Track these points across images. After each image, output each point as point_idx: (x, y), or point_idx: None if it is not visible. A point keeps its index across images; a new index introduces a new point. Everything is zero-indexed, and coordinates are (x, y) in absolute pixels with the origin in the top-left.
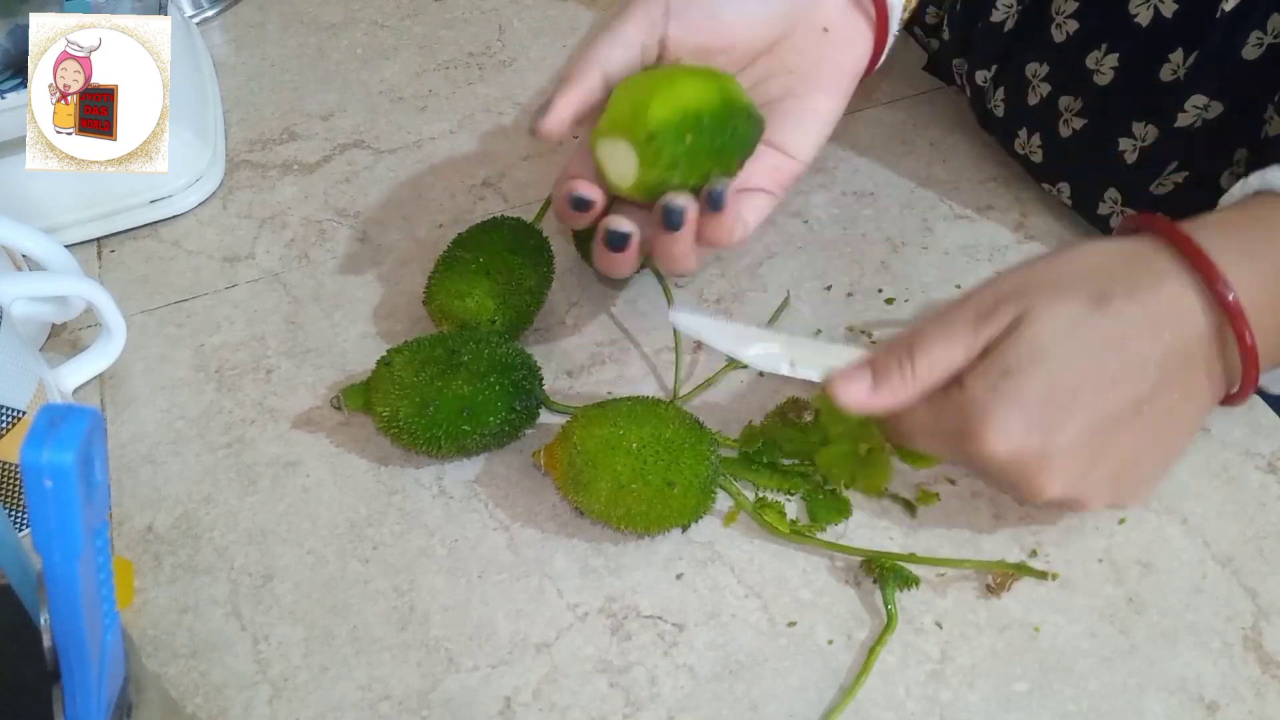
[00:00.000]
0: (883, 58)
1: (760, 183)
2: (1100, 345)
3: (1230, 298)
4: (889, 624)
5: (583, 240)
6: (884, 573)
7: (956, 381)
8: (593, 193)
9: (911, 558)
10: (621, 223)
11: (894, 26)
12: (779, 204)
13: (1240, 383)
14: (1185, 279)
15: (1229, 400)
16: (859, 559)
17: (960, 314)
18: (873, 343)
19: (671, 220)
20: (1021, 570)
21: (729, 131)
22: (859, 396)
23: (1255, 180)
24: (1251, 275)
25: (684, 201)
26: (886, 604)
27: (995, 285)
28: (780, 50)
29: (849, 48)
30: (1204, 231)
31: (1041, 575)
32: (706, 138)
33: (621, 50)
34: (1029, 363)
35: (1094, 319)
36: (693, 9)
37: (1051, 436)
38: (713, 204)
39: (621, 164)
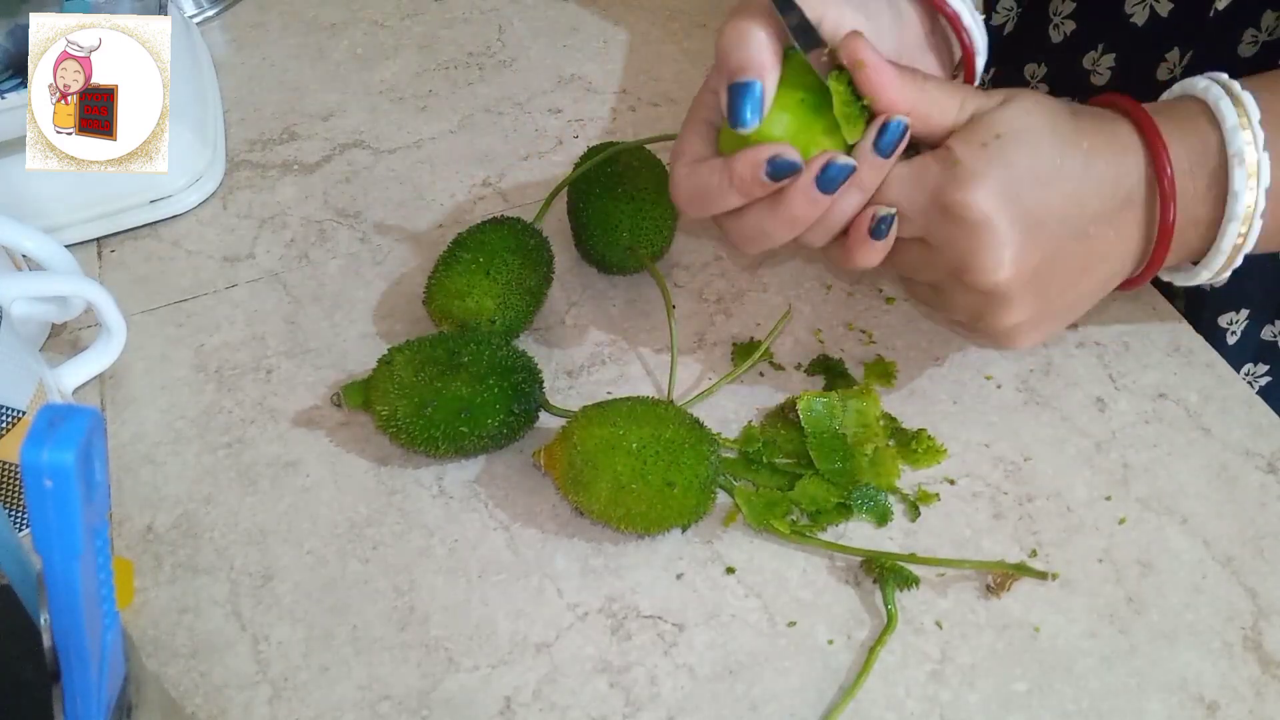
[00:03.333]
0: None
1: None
2: (1072, 147)
3: (1169, 172)
4: (889, 624)
5: (583, 239)
6: (884, 573)
7: (941, 147)
8: (796, 156)
9: (912, 558)
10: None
11: (968, 33)
12: None
13: (1148, 262)
14: (1137, 144)
15: (1129, 283)
16: (859, 559)
17: (955, 83)
18: (872, 343)
19: (834, 174)
20: (1021, 570)
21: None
22: (862, 49)
23: (1177, 89)
24: (1182, 163)
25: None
26: (886, 604)
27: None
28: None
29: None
30: (1158, 115)
31: (1041, 575)
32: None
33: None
34: (1019, 135)
35: (1071, 123)
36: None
37: (1025, 211)
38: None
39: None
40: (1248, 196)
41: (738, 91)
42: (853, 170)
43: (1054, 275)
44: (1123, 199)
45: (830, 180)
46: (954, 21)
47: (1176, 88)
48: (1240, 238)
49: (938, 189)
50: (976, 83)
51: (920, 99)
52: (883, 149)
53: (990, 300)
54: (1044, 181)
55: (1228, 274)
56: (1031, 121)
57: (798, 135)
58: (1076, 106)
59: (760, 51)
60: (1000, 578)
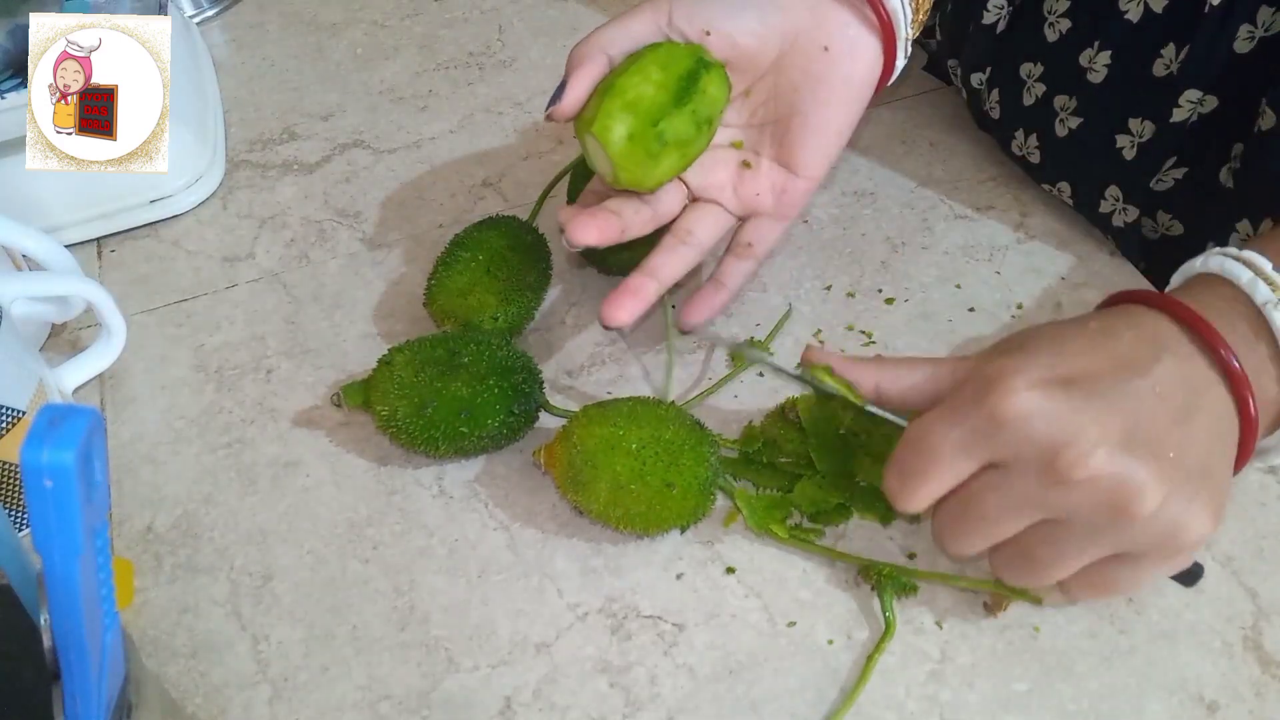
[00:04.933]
0: (897, 68)
1: (767, 208)
2: (1099, 345)
3: (1235, 364)
4: (887, 631)
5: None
6: (882, 580)
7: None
8: (590, 236)
9: (913, 572)
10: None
11: (902, 34)
12: (792, 223)
13: (1238, 452)
14: (1184, 340)
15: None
16: (857, 567)
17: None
18: (872, 343)
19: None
20: (1016, 594)
21: (697, 111)
22: (822, 357)
23: (1178, 277)
24: (1240, 346)
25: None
26: (885, 611)
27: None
28: (783, 69)
29: (855, 61)
30: (1191, 300)
31: (1036, 600)
32: (674, 131)
33: (626, 42)
34: (1034, 340)
35: (1102, 339)
36: (694, 18)
37: (1077, 385)
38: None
39: (600, 164)
40: None
41: (557, 87)
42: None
43: (1152, 431)
44: (1203, 383)
45: None
46: None
47: (1176, 276)
48: None
49: (978, 400)
50: (900, 62)
51: (883, 369)
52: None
53: (1105, 487)
54: (1080, 357)
55: None
56: (1049, 329)
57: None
58: (1098, 322)
59: (581, 55)
60: (997, 598)
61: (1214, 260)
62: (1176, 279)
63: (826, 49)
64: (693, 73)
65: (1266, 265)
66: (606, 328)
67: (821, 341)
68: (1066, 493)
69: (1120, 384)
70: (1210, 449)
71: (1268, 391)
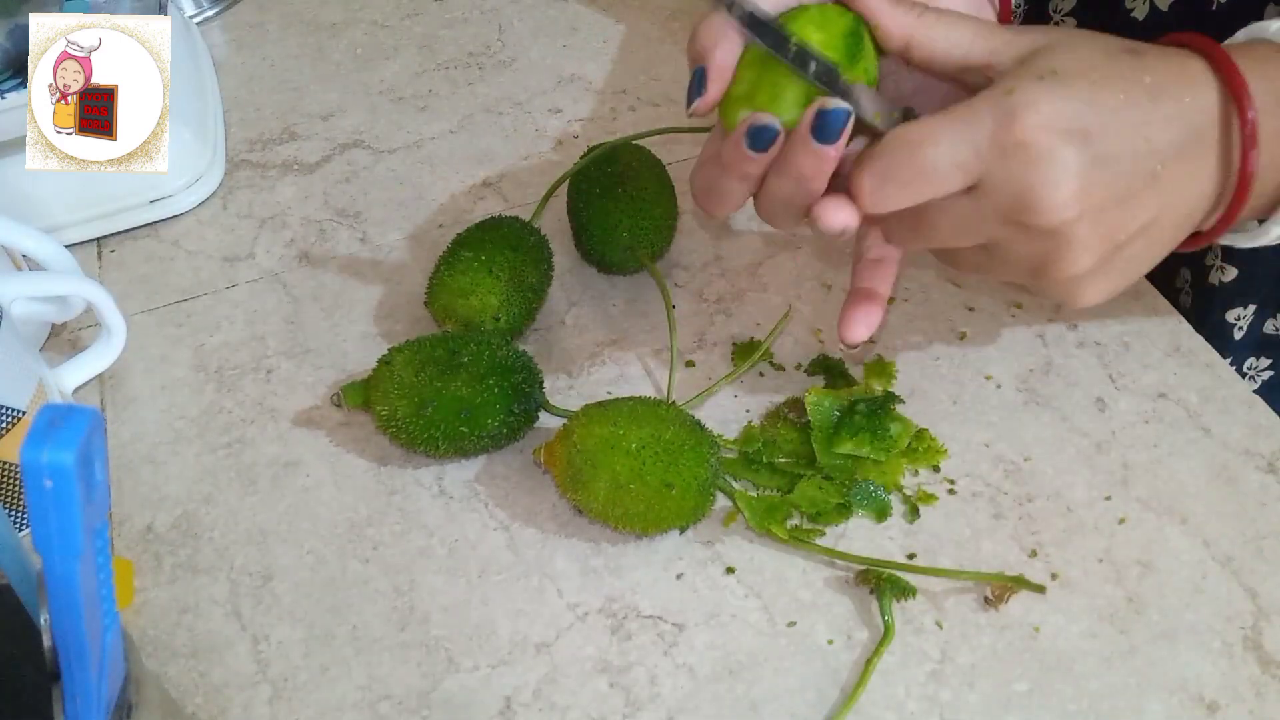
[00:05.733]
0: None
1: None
2: (1134, 82)
3: (1250, 114)
4: (886, 635)
5: (583, 239)
6: (880, 583)
7: (991, 86)
8: (774, 120)
9: (911, 567)
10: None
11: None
12: None
13: (1225, 210)
14: (1210, 80)
15: (1198, 238)
16: (856, 569)
17: (968, 18)
18: (871, 343)
19: (827, 128)
20: (1019, 584)
21: (869, 70)
22: None
23: (1243, 34)
24: (1264, 105)
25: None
26: (883, 615)
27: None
28: None
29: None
30: (1236, 54)
31: (1039, 589)
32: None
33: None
34: (1076, 68)
35: (1131, 59)
36: None
37: (1090, 143)
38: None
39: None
40: None
41: (692, 79)
42: (848, 114)
43: (1121, 218)
44: (1194, 137)
45: (827, 128)
46: None
47: (1242, 33)
48: None
49: (994, 127)
50: (1013, 15)
51: (918, 26)
52: (821, 136)
53: (1054, 243)
54: (1108, 114)
55: None
56: (1088, 54)
57: (772, 104)
58: (1136, 44)
59: (707, 38)
60: (999, 590)
61: (1275, 25)
62: (1242, 34)
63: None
64: (854, 30)
65: None
66: (850, 346)
67: (821, 341)
68: (1016, 234)
69: (1128, 163)
70: (1159, 230)
71: (1274, 152)
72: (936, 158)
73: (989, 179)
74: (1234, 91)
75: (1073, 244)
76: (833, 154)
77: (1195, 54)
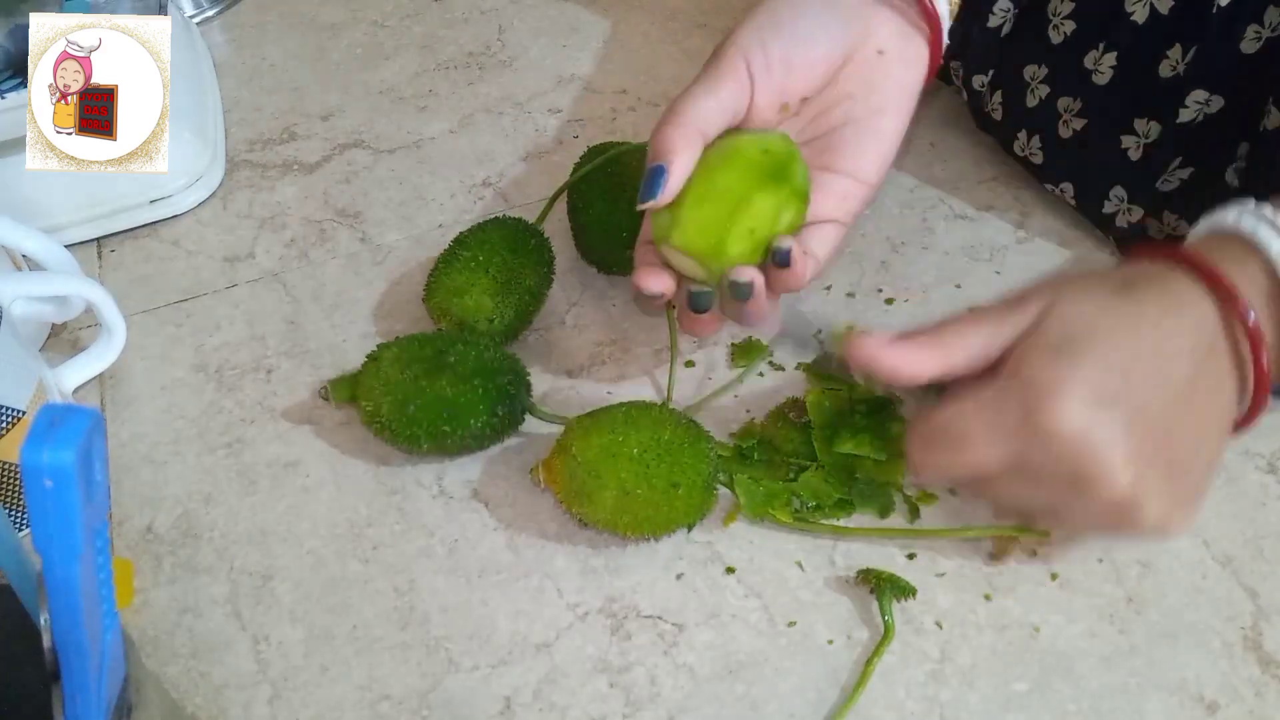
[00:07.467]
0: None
1: (829, 213)
2: (1135, 325)
3: (1252, 319)
4: (885, 635)
5: (583, 240)
6: (880, 584)
7: (998, 374)
8: (663, 285)
9: (917, 531)
10: (703, 286)
11: (945, 36)
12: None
13: (1249, 406)
14: (1199, 293)
15: (1235, 426)
16: (856, 569)
17: (987, 306)
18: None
19: (740, 294)
20: (1022, 534)
21: (790, 208)
22: (874, 349)
23: (1204, 226)
24: (1256, 304)
25: (750, 275)
26: (883, 615)
27: (1019, 289)
28: (840, 79)
29: (908, 66)
30: (1216, 262)
31: (1043, 534)
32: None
33: (717, 114)
34: (1077, 341)
35: (1122, 304)
36: (772, 69)
37: (1120, 405)
38: (780, 261)
39: (690, 270)
40: None
41: (651, 174)
42: (711, 297)
43: (1174, 453)
44: (1206, 349)
45: (697, 305)
46: None
47: (1203, 225)
48: None
49: (1023, 414)
50: (942, 47)
51: (938, 357)
52: (694, 307)
53: (1122, 504)
54: (1126, 367)
55: None
56: (1083, 322)
57: (709, 227)
58: (1121, 276)
59: (677, 140)
60: (1001, 544)
61: (1232, 216)
62: (1203, 227)
63: (881, 53)
64: (783, 165)
65: None
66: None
67: (821, 341)
68: (1080, 501)
69: (1159, 403)
70: (1208, 441)
71: (1272, 340)
72: (975, 433)
73: (1032, 461)
74: (1229, 303)
75: (1140, 499)
76: (707, 318)
77: (1179, 269)
